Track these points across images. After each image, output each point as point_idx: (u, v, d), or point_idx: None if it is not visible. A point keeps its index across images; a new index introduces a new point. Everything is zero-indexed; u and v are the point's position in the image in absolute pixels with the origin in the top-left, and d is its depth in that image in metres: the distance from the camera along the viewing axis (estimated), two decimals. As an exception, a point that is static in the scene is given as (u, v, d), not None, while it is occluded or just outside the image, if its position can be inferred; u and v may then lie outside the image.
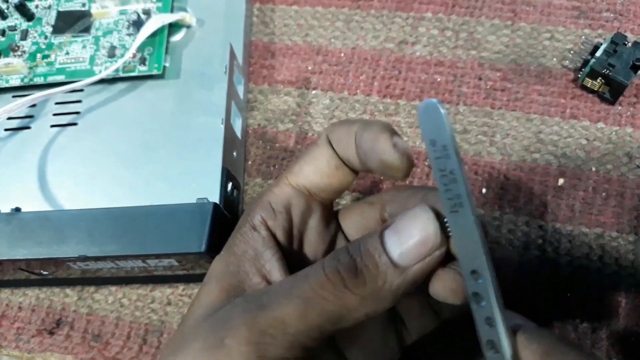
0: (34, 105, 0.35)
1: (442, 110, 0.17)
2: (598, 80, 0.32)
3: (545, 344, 0.18)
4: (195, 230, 0.27)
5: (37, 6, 0.38)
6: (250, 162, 0.35)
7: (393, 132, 0.21)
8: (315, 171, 0.23)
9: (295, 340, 0.19)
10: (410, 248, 0.18)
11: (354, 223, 0.24)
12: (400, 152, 0.20)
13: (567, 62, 0.35)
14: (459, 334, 0.30)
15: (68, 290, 0.34)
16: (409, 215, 0.19)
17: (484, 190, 0.32)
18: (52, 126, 0.34)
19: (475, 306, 0.18)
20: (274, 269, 0.21)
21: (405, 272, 0.18)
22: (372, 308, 0.19)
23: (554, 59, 0.35)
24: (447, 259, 0.19)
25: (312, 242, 0.23)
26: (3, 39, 0.37)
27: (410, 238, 0.18)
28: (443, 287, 0.19)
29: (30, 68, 0.36)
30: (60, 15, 0.37)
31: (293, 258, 0.22)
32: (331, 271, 0.19)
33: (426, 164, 0.33)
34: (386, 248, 0.19)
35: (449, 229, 0.19)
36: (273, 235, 0.22)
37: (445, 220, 0.19)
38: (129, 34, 0.36)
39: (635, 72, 0.32)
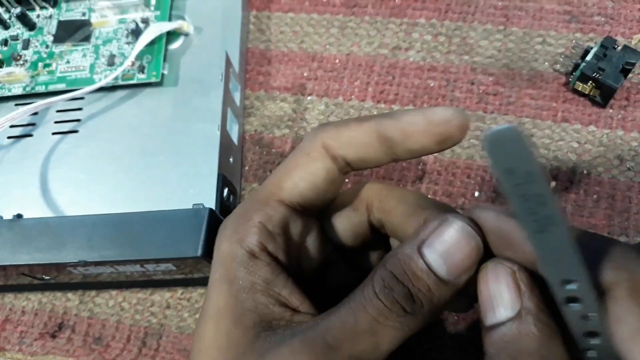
0: (35, 114, 0.36)
1: (524, 138, 0.15)
2: (589, 83, 0.33)
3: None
4: (192, 235, 0.28)
5: (38, 16, 0.39)
6: (247, 168, 0.36)
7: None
8: (311, 188, 0.22)
9: None
10: (456, 264, 0.19)
11: (342, 232, 0.24)
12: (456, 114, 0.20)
13: (558, 66, 0.35)
14: (456, 332, 0.30)
15: (70, 295, 0.34)
16: (449, 232, 0.19)
17: (476, 194, 0.33)
18: (54, 134, 0.35)
19: (569, 309, 0.18)
20: (292, 295, 0.21)
21: (453, 285, 0.19)
22: (429, 320, 0.20)
23: (546, 63, 0.35)
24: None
25: (310, 257, 0.23)
26: (5, 48, 0.38)
27: (455, 255, 0.19)
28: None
29: (32, 77, 0.37)
30: (61, 24, 0.38)
31: (292, 274, 0.22)
32: (390, 302, 0.19)
33: (419, 167, 0.34)
34: (433, 269, 0.19)
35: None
36: (275, 259, 0.21)
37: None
38: (128, 43, 0.37)
39: (625, 76, 0.32)
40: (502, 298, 0.19)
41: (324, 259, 0.24)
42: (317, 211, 0.23)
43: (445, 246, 0.19)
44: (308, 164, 0.22)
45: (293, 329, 0.20)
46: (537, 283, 0.19)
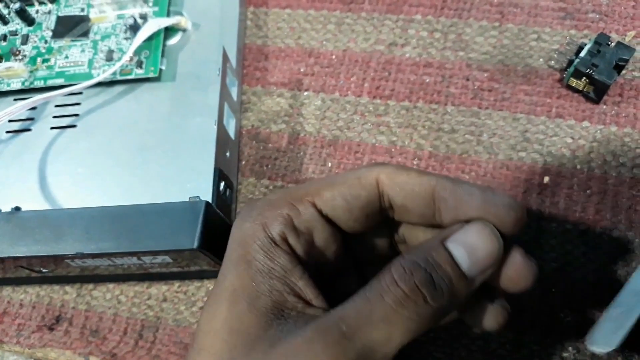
0: (34, 108, 0.36)
1: None
2: (582, 80, 0.33)
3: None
4: (188, 227, 0.28)
5: (37, 11, 0.39)
6: (244, 162, 0.36)
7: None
8: (345, 209, 0.22)
9: None
10: (478, 261, 0.20)
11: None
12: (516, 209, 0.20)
13: (553, 63, 0.35)
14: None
15: (67, 288, 0.35)
16: (474, 230, 0.20)
17: (470, 188, 0.33)
18: (52, 128, 0.35)
19: None
20: (307, 288, 0.21)
21: (472, 282, 0.20)
22: (442, 318, 0.20)
23: (541, 60, 0.36)
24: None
25: (331, 263, 0.23)
26: (4, 43, 0.38)
27: (478, 251, 0.20)
28: (494, 321, 0.22)
29: (31, 72, 0.37)
30: (60, 20, 0.39)
31: (311, 274, 0.22)
32: (410, 288, 0.19)
33: (414, 162, 0.34)
34: (456, 261, 0.19)
35: None
36: (294, 252, 0.21)
37: None
38: (126, 38, 0.37)
39: (619, 72, 0.32)
40: None
41: (340, 268, 0.24)
42: (346, 230, 0.23)
43: (469, 241, 0.20)
44: (354, 186, 0.22)
45: (306, 318, 0.19)
46: None
